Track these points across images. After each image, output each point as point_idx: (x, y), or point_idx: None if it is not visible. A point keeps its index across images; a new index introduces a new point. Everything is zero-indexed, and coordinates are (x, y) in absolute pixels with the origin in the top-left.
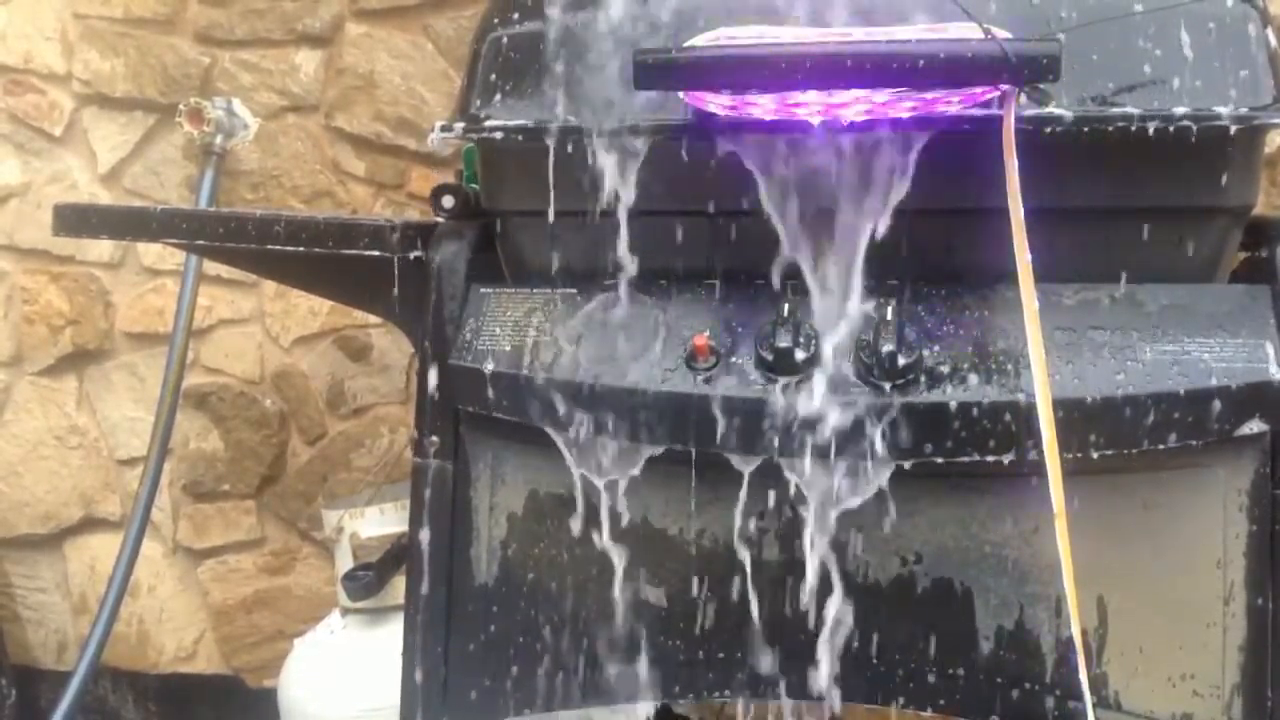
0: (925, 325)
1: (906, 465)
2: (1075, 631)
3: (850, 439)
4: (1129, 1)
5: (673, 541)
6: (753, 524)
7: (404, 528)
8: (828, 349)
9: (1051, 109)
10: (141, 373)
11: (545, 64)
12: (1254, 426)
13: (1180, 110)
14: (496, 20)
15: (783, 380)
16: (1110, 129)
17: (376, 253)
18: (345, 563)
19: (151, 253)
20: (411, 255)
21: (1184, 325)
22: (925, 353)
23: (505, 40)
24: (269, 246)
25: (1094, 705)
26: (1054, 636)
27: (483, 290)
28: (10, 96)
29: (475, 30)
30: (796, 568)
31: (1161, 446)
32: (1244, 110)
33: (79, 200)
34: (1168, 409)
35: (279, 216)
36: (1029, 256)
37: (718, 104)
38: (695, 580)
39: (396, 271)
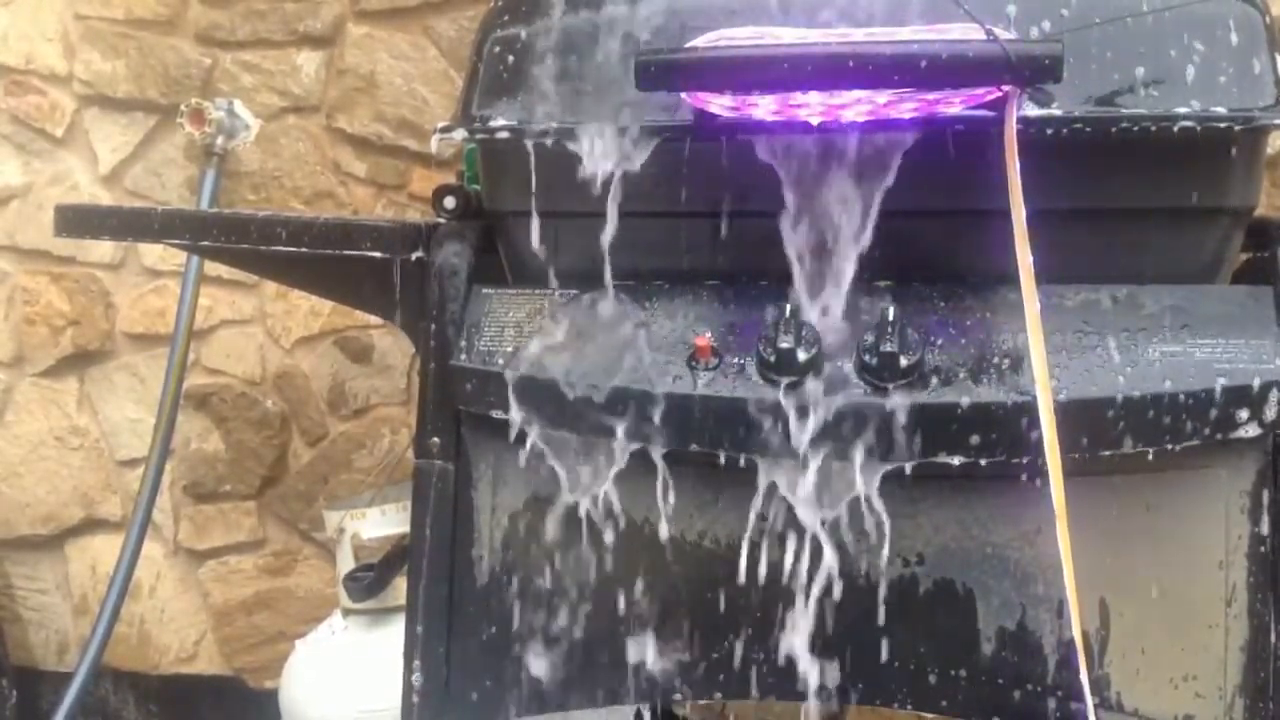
0: (927, 326)
1: (908, 466)
2: (1075, 633)
3: (852, 440)
4: (1132, 2)
5: (674, 542)
6: (754, 525)
7: (405, 529)
8: (830, 350)
9: (1053, 110)
10: (142, 373)
11: (546, 65)
12: (1255, 428)
13: (1182, 111)
14: (498, 21)
15: (785, 381)
16: (1112, 130)
17: (378, 254)
18: (346, 564)
19: (152, 254)
20: (413, 256)
21: (1186, 326)
22: (927, 354)
23: (507, 41)
24: (271, 248)
25: (1095, 706)
26: (1056, 638)
27: (484, 291)
28: (11, 97)
29: (477, 31)
30: (798, 569)
31: (1163, 448)
32: (1246, 111)
33: (80, 201)
34: (1170, 410)
35: (281, 218)
36: (1030, 258)
37: (719, 105)
38: (696, 581)
39: (398, 273)
